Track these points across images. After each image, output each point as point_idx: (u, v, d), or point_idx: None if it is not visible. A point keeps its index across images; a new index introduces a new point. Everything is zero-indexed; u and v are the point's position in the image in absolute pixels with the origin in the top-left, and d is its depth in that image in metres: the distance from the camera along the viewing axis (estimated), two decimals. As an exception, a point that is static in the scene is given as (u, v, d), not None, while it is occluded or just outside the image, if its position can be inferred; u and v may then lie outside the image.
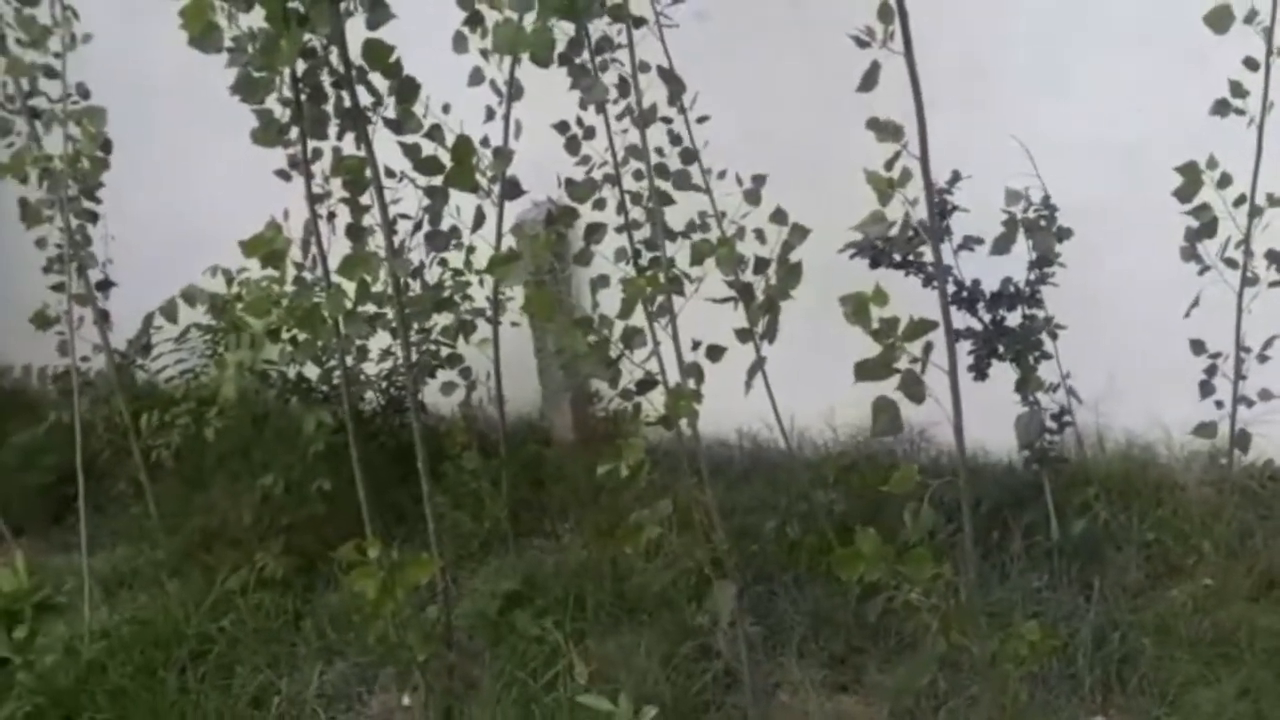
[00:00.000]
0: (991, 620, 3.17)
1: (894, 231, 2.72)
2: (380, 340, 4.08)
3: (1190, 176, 2.88)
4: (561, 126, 3.55)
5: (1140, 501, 3.80)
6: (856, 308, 2.42)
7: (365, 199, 3.32)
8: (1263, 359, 3.07)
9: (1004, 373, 3.55)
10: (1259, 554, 3.51)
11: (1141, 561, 3.56)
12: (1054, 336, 3.50)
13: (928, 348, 2.45)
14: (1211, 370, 3.15)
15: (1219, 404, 3.18)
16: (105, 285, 4.31)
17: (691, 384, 3.10)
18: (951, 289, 3.41)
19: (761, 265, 3.27)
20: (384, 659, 3.67)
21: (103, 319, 4.24)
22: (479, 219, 3.85)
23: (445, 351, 4.17)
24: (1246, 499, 3.70)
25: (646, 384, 3.29)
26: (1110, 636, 3.28)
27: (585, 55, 3.30)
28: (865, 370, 2.44)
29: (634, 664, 3.55)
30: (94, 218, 4.12)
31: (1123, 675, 3.19)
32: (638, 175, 3.41)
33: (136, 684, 3.70)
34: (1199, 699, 3.10)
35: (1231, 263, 3.05)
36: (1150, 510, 3.76)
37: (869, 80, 2.36)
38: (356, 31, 2.86)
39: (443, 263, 3.95)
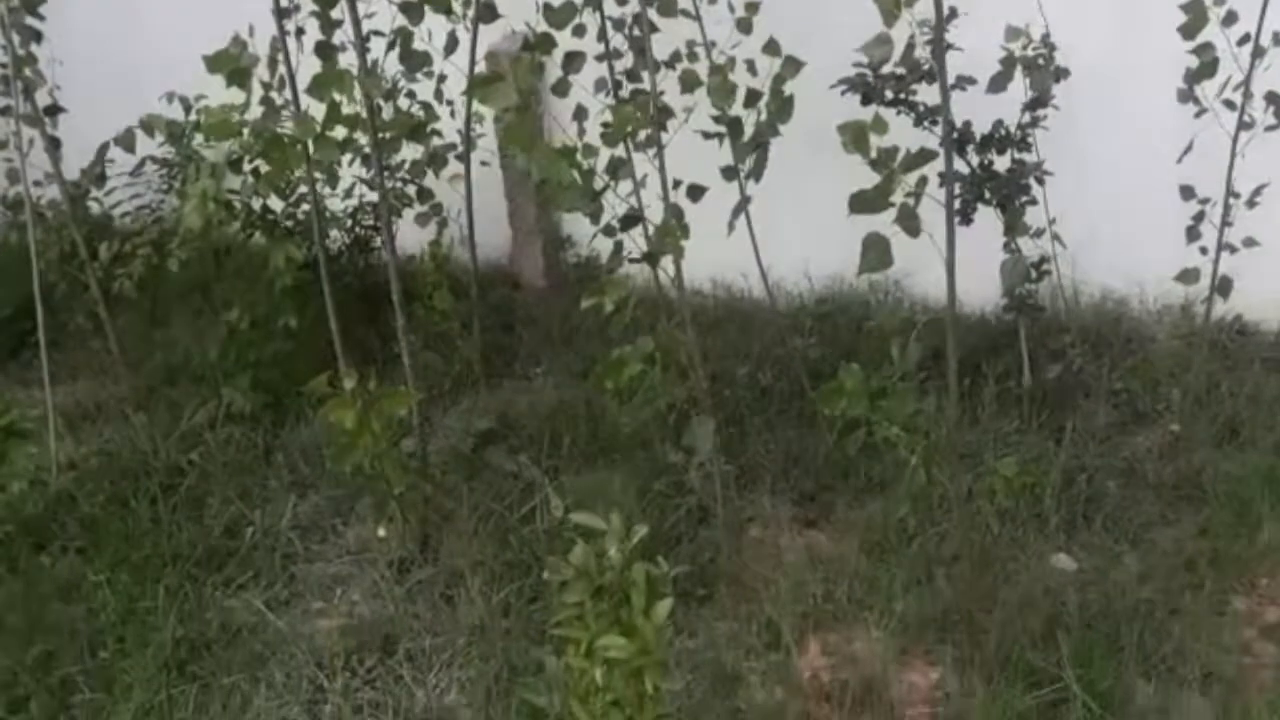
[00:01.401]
0: (962, 461, 3.22)
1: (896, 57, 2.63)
2: (344, 179, 3.96)
3: (1196, 12, 2.81)
4: (540, -55, 3.37)
5: (1111, 352, 3.85)
6: (855, 136, 2.36)
7: (336, 13, 3.16)
8: (1252, 204, 3.06)
9: (984, 225, 3.52)
10: (1224, 403, 3.59)
11: (1110, 409, 3.63)
12: (1040, 182, 3.47)
13: (923, 181, 2.40)
14: (1199, 216, 3.15)
15: (1203, 250, 3.18)
16: (54, 110, 4.10)
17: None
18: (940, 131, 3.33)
19: (752, 98, 3.17)
20: (359, 491, 3.67)
21: (53, 146, 4.04)
22: (451, 44, 3.69)
23: (414, 188, 4.06)
24: (1215, 352, 3.76)
25: (631, 219, 3.22)
26: (1077, 479, 3.35)
27: None
28: (861, 202, 2.38)
29: (609, 498, 3.57)
30: (37, 36, 3.89)
31: (1088, 515, 3.28)
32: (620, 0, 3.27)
33: (108, 514, 3.66)
34: (1160, 537, 3.20)
35: (1230, 104, 3.01)
36: (1120, 361, 3.81)
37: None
38: None
39: (410, 95, 3.80)
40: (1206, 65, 2.86)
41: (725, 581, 3.25)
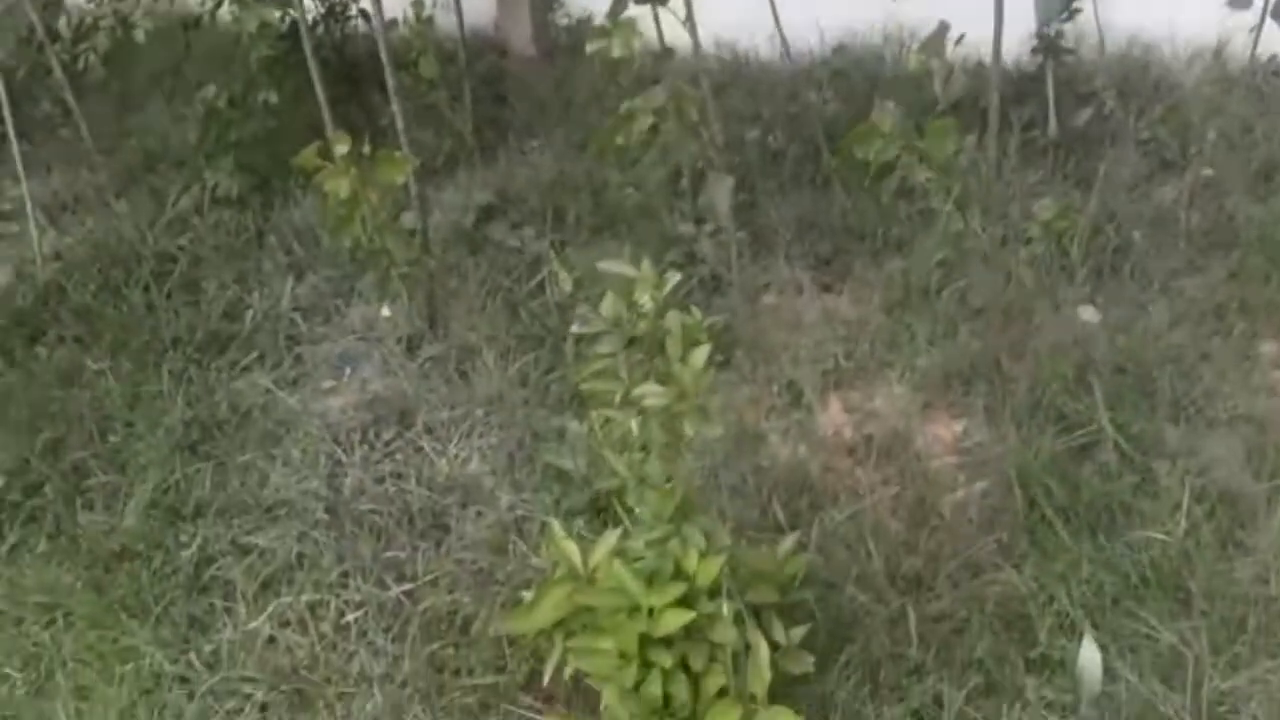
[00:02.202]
0: (987, 214, 3.09)
1: None
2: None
3: None
4: None
5: (1139, 100, 3.66)
6: None
7: None
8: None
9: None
10: (1258, 147, 3.44)
11: (1139, 158, 3.48)
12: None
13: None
14: (1236, -50, 2.90)
15: (1238, -13, 2.95)
16: None
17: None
18: None
19: None
20: (359, 269, 3.54)
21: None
22: None
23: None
24: (1249, 94, 3.57)
25: (632, -41, 2.96)
26: (1105, 229, 3.24)
27: None
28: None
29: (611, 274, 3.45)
30: None
31: (1115, 265, 3.18)
32: None
33: (100, 303, 3.54)
34: (1189, 285, 3.12)
35: None
36: (1149, 108, 3.63)
37: None
38: None
39: None
40: None
41: (744, 346, 3.17)
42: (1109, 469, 2.49)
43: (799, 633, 1.94)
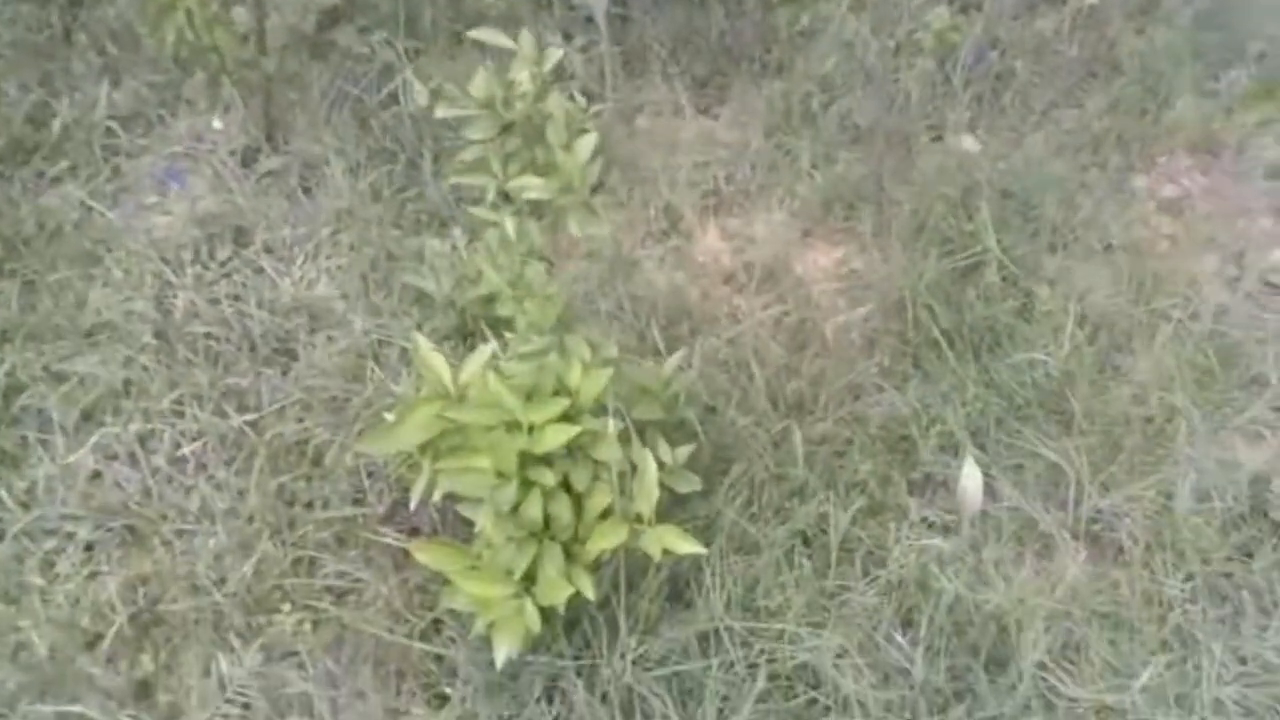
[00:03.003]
0: (879, 25, 2.94)
1: None
2: None
3: None
4: None
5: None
6: None
7: None
8: None
9: None
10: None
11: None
12: None
13: None
14: None
15: None
16: None
17: None
18: None
19: None
20: (185, 73, 3.14)
21: None
22: None
23: None
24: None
25: None
26: (987, 55, 3.13)
27: None
28: None
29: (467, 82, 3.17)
30: None
31: (997, 93, 3.09)
32: None
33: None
34: (1065, 116, 3.06)
35: None
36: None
37: None
38: None
39: None
40: None
41: (619, 167, 2.97)
42: (991, 292, 2.44)
43: (684, 452, 1.82)
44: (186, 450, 2.25)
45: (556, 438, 1.64)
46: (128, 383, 2.35)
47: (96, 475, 2.22)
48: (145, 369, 2.37)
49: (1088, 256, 2.66)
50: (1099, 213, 2.76)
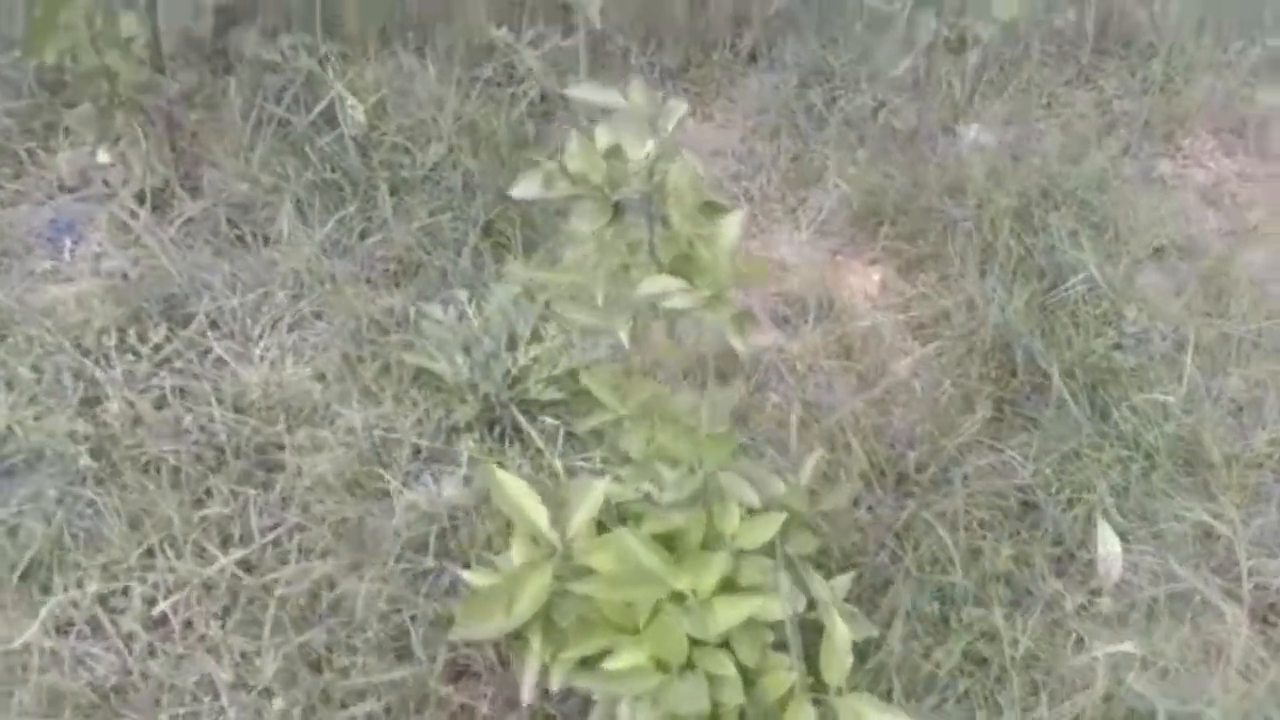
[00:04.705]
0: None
1: None
2: None
3: None
4: None
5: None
6: None
7: None
8: None
9: None
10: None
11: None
12: None
13: None
14: None
15: None
16: None
17: None
18: None
19: None
20: (53, 91, 2.58)
21: None
22: None
23: None
24: None
25: None
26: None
27: None
28: None
29: (424, 93, 2.71)
30: None
31: (1006, 75, 2.83)
32: None
33: None
34: (1079, 99, 2.83)
35: None
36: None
37: None
38: None
39: None
40: None
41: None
42: (1083, 318, 2.17)
43: (844, 583, 1.48)
44: (165, 607, 1.77)
45: (730, 613, 1.28)
46: (70, 527, 1.84)
47: (52, 655, 1.73)
48: (90, 505, 1.87)
49: (1142, 260, 2.43)
50: (1140, 208, 2.53)
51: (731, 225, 1.30)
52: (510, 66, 2.92)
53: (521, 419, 1.95)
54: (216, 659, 1.73)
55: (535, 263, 2.36)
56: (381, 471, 1.94)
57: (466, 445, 1.93)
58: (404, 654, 1.73)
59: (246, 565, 1.83)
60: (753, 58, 3.05)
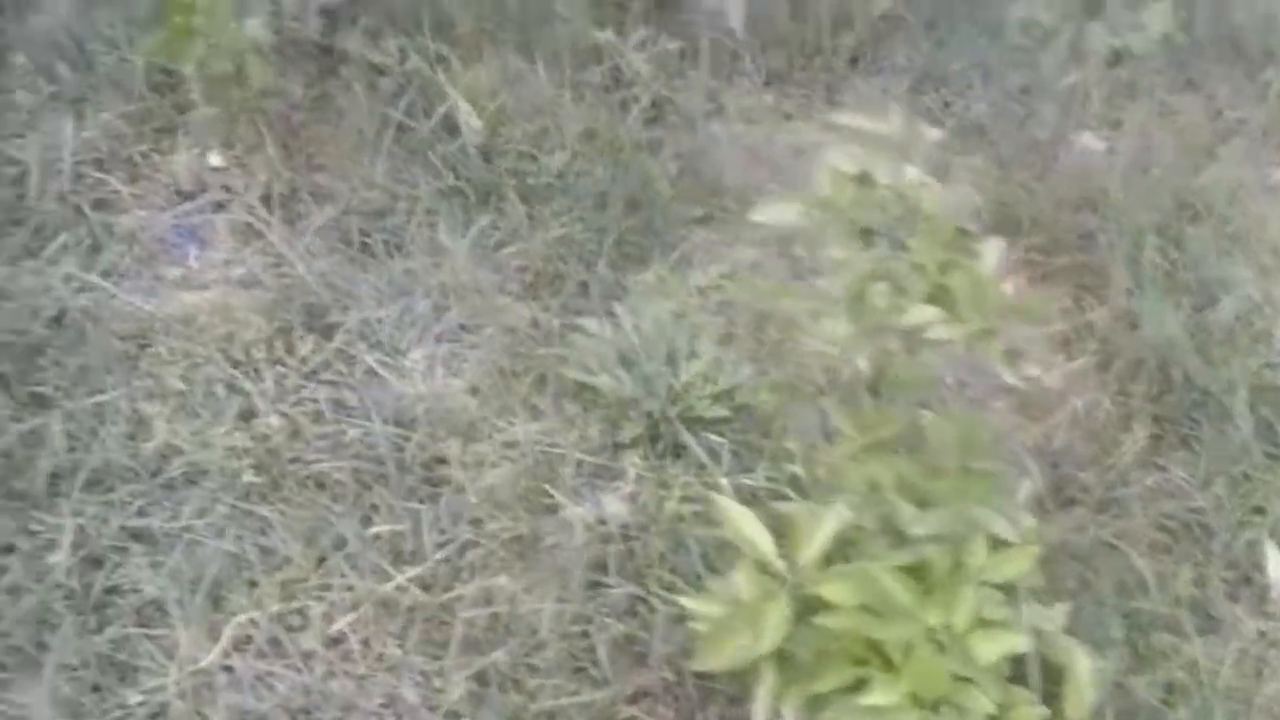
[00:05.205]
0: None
1: None
2: None
3: None
4: None
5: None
6: None
7: None
8: None
9: None
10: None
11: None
12: None
13: None
14: None
15: None
16: None
17: None
18: None
19: None
20: (161, 93, 2.55)
21: None
22: None
23: None
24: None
25: None
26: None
27: None
28: None
29: (532, 98, 2.69)
30: None
31: (1115, 81, 2.81)
32: None
33: None
34: (1187, 104, 2.82)
35: None
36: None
37: None
38: None
39: None
40: None
41: (728, 198, 2.56)
42: (1235, 336, 2.17)
43: (1062, 612, 1.48)
44: (343, 625, 1.77)
45: (989, 649, 1.28)
46: (244, 543, 1.83)
47: (229, 673, 1.72)
48: (262, 521, 1.86)
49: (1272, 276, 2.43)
50: (1271, 219, 2.53)
51: (989, 255, 1.29)
52: (616, 70, 2.90)
53: (687, 436, 1.94)
54: (398, 679, 1.73)
55: (668, 273, 2.36)
56: (546, 487, 1.93)
57: (632, 461, 1.92)
58: (588, 675, 1.72)
59: (421, 583, 1.82)
60: (854, 61, 3.03)
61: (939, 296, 1.29)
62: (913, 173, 1.29)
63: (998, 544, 1.35)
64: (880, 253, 1.31)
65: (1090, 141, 2.79)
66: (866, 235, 1.32)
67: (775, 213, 1.34)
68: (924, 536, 1.31)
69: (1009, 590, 1.34)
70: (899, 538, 1.36)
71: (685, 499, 1.88)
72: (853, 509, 1.38)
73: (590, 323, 2.09)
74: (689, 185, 2.60)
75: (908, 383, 1.39)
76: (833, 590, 1.33)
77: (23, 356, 2.08)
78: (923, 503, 1.34)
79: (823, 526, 1.38)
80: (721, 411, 1.95)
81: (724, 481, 1.87)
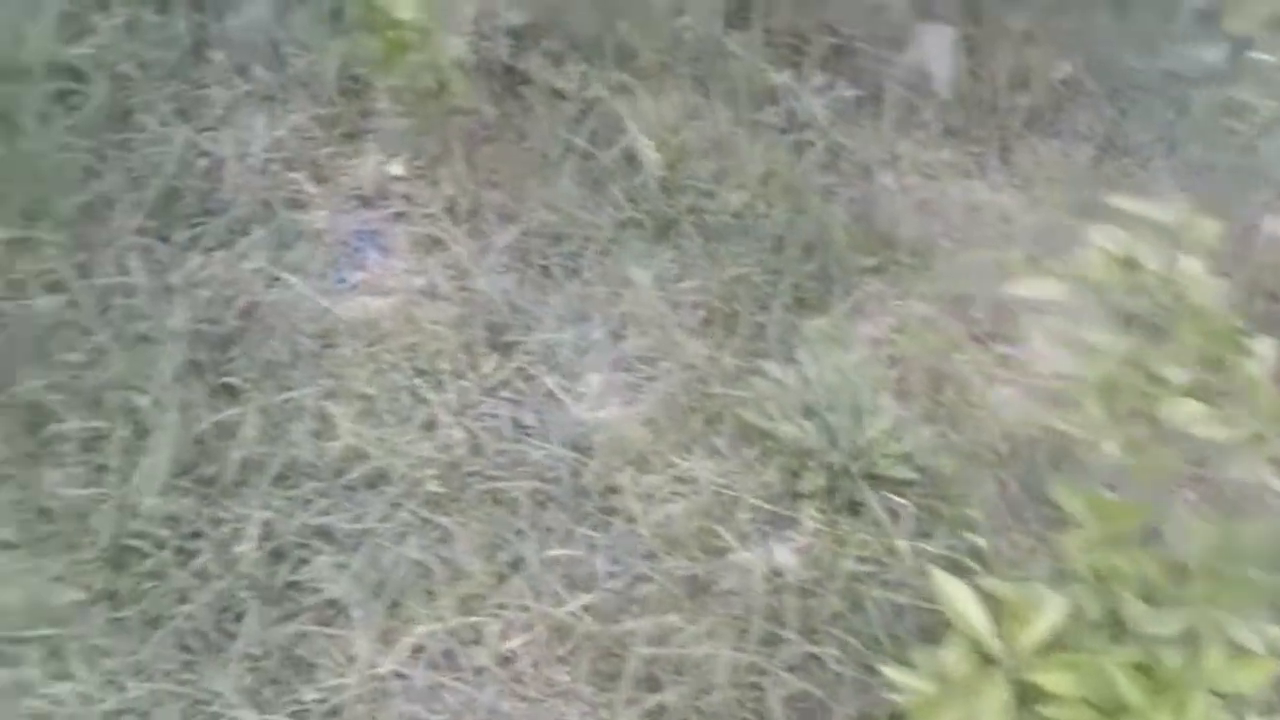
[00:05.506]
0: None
1: None
2: None
3: None
4: None
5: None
6: None
7: None
8: None
9: None
10: None
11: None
12: None
13: None
14: None
15: None
16: None
17: None
18: None
19: None
20: (354, 98, 2.61)
21: None
22: None
23: None
24: None
25: None
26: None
27: None
28: None
29: (711, 134, 2.70)
30: None
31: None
32: None
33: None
34: None
35: None
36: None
37: None
38: None
39: None
40: None
41: (903, 252, 2.53)
42: None
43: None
44: (515, 645, 1.78)
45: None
46: (424, 551, 1.86)
47: (401, 679, 1.74)
48: (444, 532, 1.88)
49: None
50: None
51: (1264, 353, 1.25)
52: (791, 112, 2.90)
53: (867, 493, 1.92)
54: (567, 706, 1.73)
55: (842, 320, 2.34)
56: (718, 528, 1.93)
57: (809, 513, 1.91)
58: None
59: (593, 611, 1.83)
60: (1031, 122, 2.99)
61: (1201, 392, 1.26)
62: (1187, 262, 1.26)
63: (1236, 652, 1.30)
64: (1139, 339, 1.28)
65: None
66: (1128, 320, 1.29)
67: (1034, 286, 1.32)
68: (1158, 636, 1.28)
69: (1240, 701, 1.29)
70: (1121, 631, 1.32)
71: (863, 558, 1.85)
72: (1075, 596, 1.35)
73: (771, 366, 2.09)
74: (862, 234, 2.58)
75: (1153, 476, 1.36)
76: (1056, 680, 1.30)
77: (215, 346, 2.14)
78: (1152, 599, 1.31)
79: (1046, 611, 1.35)
80: (905, 472, 1.92)
81: (903, 544, 1.85)
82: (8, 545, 1.78)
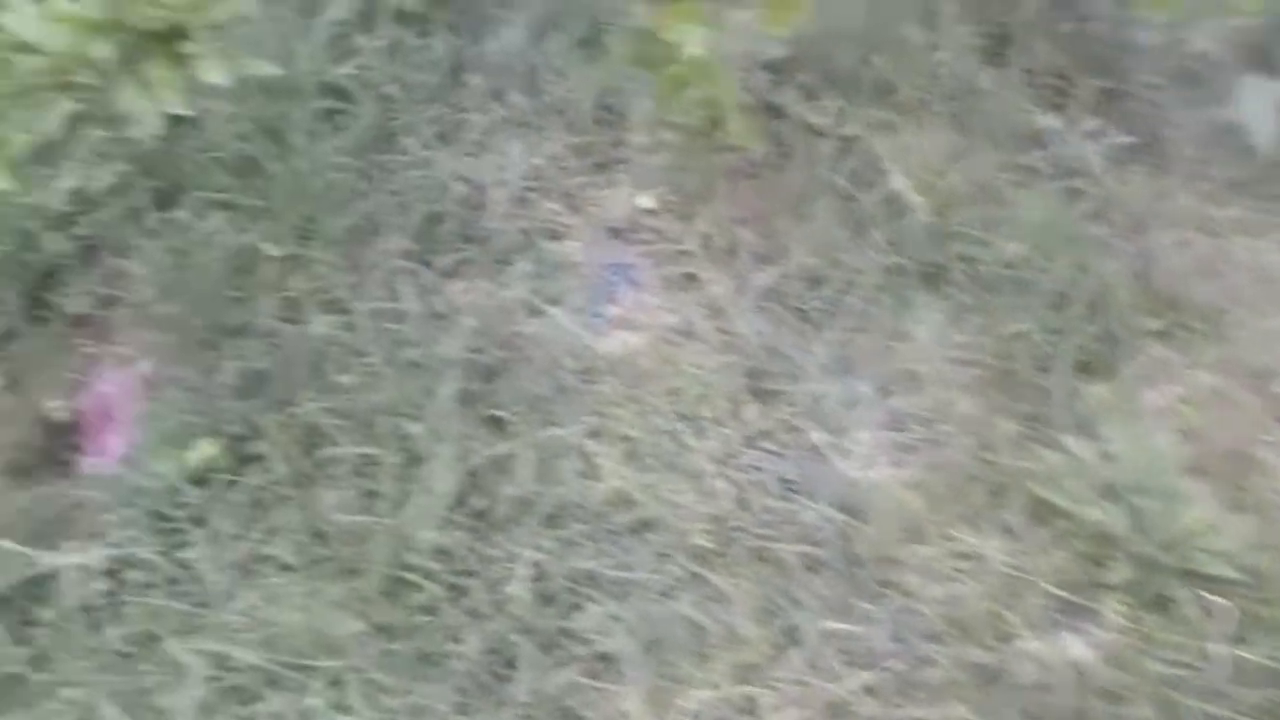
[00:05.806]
0: None
1: None
2: None
3: None
4: None
5: None
6: None
7: None
8: None
9: None
10: None
11: None
12: None
13: None
14: None
15: None
16: None
17: None
18: None
19: None
20: (605, 128, 2.58)
21: None
22: None
23: None
24: None
25: None
26: None
27: None
28: None
29: (976, 178, 2.56)
30: None
31: None
32: None
33: (258, 149, 2.52)
34: None
35: None
36: None
37: None
38: None
39: None
40: None
41: (1197, 318, 2.34)
42: None
43: None
44: (784, 721, 1.69)
45: None
46: (697, 609, 1.78)
47: (669, 744, 1.67)
48: (715, 590, 1.81)
49: None
50: None
51: None
52: (1058, 158, 2.73)
53: (1182, 590, 1.75)
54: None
55: (1117, 391, 2.17)
56: (1006, 613, 1.79)
57: (1114, 606, 1.75)
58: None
59: (872, 691, 1.72)
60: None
61: None
62: None
63: None
64: None
65: None
66: None
67: None
68: None
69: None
70: None
71: (1173, 661, 1.69)
72: None
73: (1069, 440, 1.94)
74: (1143, 293, 2.40)
75: None
76: None
77: (481, 377, 2.12)
78: None
79: None
80: (1226, 570, 1.75)
81: (1223, 650, 1.67)
82: (287, 567, 1.79)
